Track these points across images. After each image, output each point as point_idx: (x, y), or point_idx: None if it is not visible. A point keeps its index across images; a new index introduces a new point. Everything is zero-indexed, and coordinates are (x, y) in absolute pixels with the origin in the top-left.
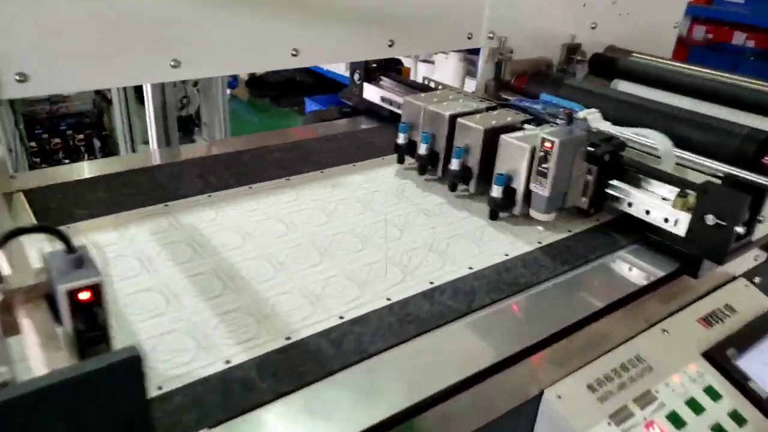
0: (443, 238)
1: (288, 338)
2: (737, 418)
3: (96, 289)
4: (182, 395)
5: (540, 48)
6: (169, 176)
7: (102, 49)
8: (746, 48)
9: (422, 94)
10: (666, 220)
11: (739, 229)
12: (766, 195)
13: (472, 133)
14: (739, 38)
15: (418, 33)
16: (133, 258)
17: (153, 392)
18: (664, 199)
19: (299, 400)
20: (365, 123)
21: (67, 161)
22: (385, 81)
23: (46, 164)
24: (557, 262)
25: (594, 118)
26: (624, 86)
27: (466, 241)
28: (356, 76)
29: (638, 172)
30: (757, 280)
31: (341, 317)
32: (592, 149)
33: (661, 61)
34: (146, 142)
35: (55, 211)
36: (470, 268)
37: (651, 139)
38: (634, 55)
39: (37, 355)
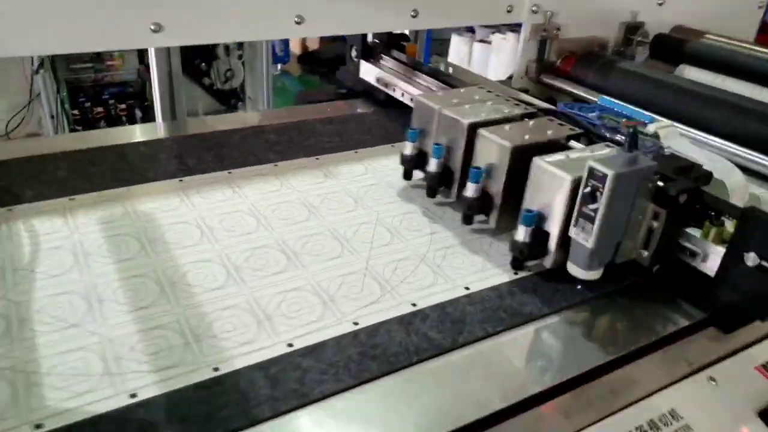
0: (440, 248)
1: (216, 369)
2: None
3: None
4: None
5: (593, 26)
6: (141, 156)
7: (70, 6)
8: None
9: (439, 93)
10: (691, 254)
11: None
12: None
13: (497, 151)
14: None
15: (447, 1)
16: (68, 251)
17: None
18: None
19: None
20: (361, 107)
21: None
22: (386, 60)
23: None
24: (577, 287)
25: (667, 134)
26: (692, 73)
27: (468, 252)
28: (353, 53)
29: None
30: None
31: (290, 344)
32: (663, 185)
33: (739, 44)
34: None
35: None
36: (466, 288)
37: (719, 173)
38: (707, 36)
39: None
